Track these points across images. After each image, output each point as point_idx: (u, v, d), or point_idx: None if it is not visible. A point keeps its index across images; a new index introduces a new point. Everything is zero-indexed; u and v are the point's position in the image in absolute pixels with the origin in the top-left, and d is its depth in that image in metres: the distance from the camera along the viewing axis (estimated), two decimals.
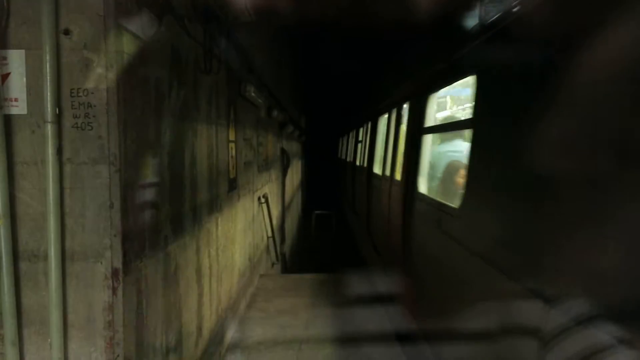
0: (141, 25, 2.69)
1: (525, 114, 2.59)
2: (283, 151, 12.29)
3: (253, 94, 6.14)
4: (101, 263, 2.48)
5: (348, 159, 16.69)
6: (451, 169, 4.96)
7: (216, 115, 4.68)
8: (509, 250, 2.72)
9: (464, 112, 6.45)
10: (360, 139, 12.82)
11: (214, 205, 4.64)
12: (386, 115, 8.29)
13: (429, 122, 5.28)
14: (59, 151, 2.41)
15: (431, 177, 5.39)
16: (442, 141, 5.45)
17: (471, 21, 3.62)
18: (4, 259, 2.41)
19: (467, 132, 3.85)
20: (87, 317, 2.50)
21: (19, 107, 2.42)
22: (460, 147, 4.99)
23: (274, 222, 9.76)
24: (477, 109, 3.53)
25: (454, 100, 7.85)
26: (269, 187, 9.42)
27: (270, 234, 9.32)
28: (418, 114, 5.45)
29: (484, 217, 3.27)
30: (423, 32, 4.95)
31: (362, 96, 12.74)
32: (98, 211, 2.46)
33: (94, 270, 2.48)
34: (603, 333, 1.76)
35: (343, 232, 16.17)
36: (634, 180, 1.76)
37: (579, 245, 2.05)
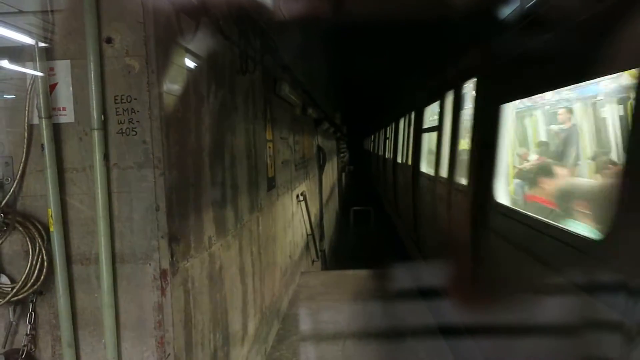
0: (179, 29, 2.73)
1: None
2: (319, 148, 12.30)
3: (288, 92, 6.17)
4: (150, 264, 2.54)
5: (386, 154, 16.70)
6: None
7: (253, 115, 4.72)
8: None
9: None
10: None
11: (255, 205, 4.68)
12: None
13: None
14: (106, 157, 2.48)
15: None
16: None
17: None
18: (58, 263, 2.50)
19: None
20: (138, 318, 2.57)
21: (67, 116, 2.50)
22: None
23: (313, 219, 9.79)
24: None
25: None
26: (306, 184, 9.46)
27: (309, 231, 9.35)
28: None
29: None
30: None
31: None
32: (145, 214, 2.52)
33: (143, 271, 2.54)
34: None
35: (382, 224, 16.09)
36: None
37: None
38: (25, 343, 2.56)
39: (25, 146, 2.49)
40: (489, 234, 4.23)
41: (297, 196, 8.15)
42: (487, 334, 4.14)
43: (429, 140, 8.44)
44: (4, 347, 2.59)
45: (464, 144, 5.49)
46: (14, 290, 2.49)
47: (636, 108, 2.28)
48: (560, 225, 3.08)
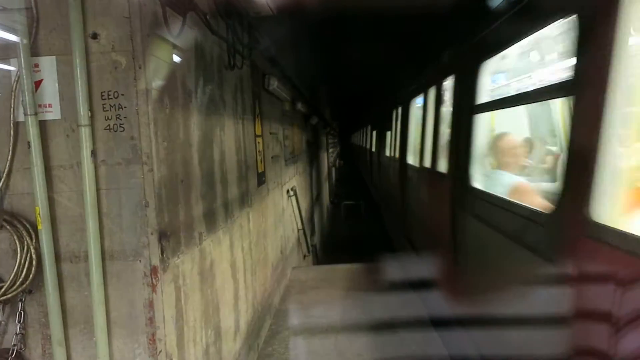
0: (166, 24, 2.71)
1: None
2: (309, 143, 12.29)
3: (277, 88, 6.15)
4: (140, 261, 2.52)
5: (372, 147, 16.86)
6: None
7: (242, 110, 4.70)
8: None
9: None
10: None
11: (245, 200, 4.67)
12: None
13: None
14: (94, 153, 2.46)
15: None
16: None
17: None
18: (47, 262, 2.48)
19: None
20: (129, 315, 2.56)
21: (53, 113, 2.47)
22: None
23: (304, 214, 9.79)
24: None
25: None
26: (296, 179, 9.45)
27: (300, 226, 9.35)
28: None
29: None
30: None
31: None
32: (134, 210, 2.51)
33: (133, 268, 2.53)
34: None
35: (372, 218, 16.12)
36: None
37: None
38: (15, 342, 2.54)
39: (11, 144, 2.46)
40: None
41: (288, 191, 8.14)
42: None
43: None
44: None
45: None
46: (3, 290, 2.47)
47: None
48: None
